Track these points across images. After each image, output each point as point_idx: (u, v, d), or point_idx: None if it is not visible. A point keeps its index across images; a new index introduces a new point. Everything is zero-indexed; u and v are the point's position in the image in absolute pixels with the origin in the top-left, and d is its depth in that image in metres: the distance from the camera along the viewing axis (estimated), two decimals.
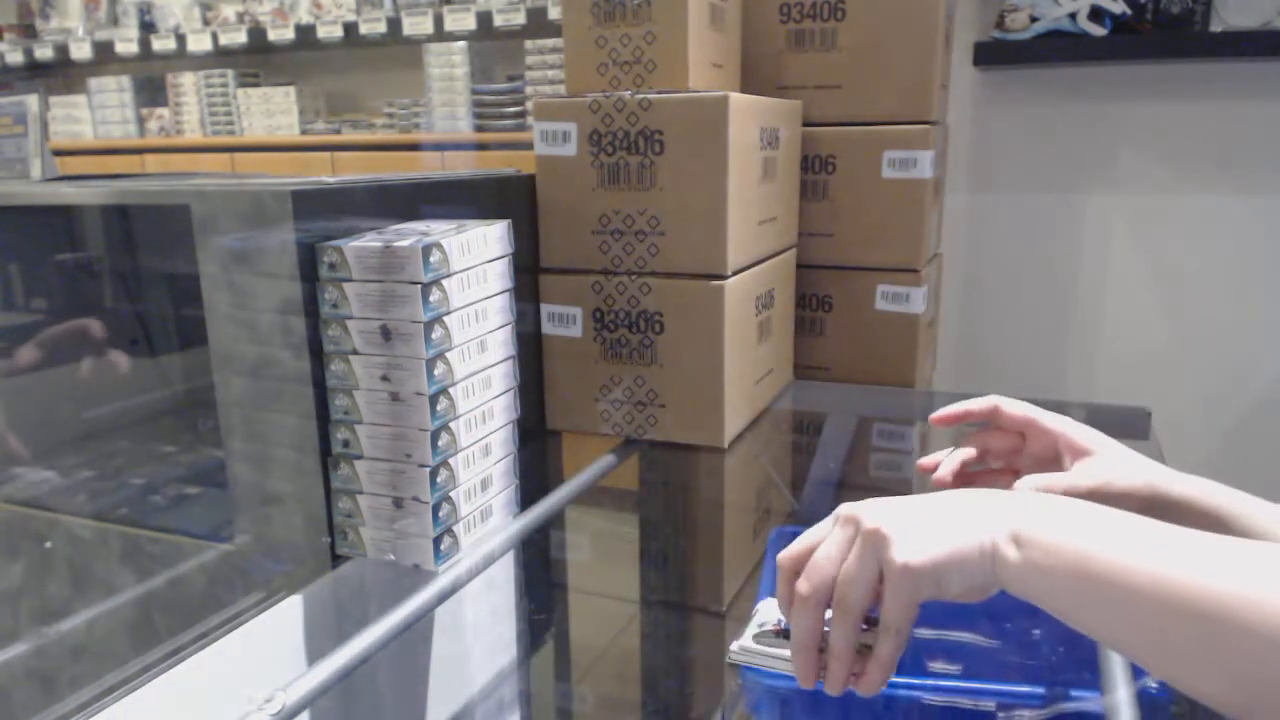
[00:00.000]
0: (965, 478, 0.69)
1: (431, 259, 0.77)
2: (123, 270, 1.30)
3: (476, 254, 0.84)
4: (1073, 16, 1.92)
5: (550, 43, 2.78)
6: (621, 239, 1.10)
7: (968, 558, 0.48)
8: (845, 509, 0.52)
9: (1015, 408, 0.66)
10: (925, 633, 0.92)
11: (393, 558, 0.83)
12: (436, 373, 0.79)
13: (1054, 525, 0.47)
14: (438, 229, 0.83)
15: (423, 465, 0.79)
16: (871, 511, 0.51)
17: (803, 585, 0.52)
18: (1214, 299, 2.00)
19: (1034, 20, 1.95)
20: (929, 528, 0.49)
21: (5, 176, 1.17)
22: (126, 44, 3.47)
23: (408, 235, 0.80)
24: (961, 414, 0.68)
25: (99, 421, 1.24)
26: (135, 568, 0.96)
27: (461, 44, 2.90)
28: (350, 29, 3.08)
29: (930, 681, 0.79)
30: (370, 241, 0.78)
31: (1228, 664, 0.40)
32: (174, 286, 1.30)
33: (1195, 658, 0.41)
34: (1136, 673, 0.68)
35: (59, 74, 3.74)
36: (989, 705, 0.76)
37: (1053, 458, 0.64)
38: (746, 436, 1.20)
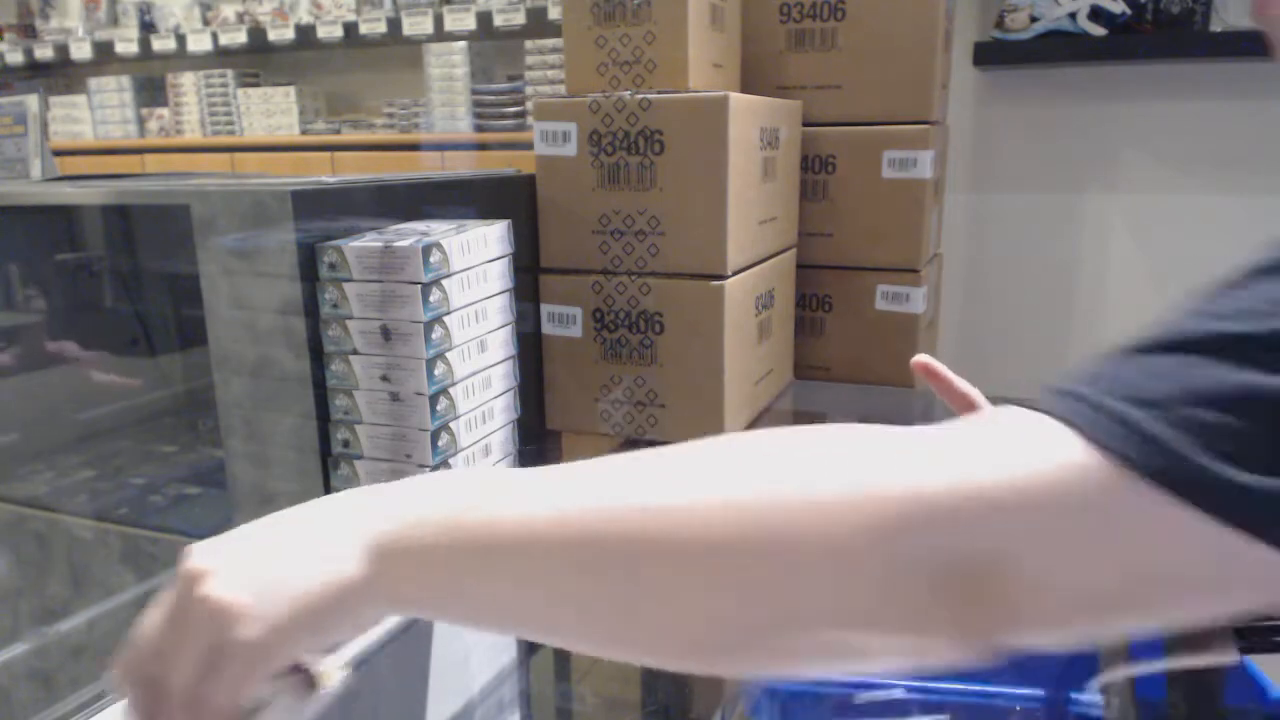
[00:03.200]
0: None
1: (431, 259, 0.77)
2: (123, 270, 1.30)
3: (476, 254, 0.84)
4: (1073, 16, 1.92)
5: (550, 43, 2.78)
6: (621, 239, 1.10)
7: (321, 603, 0.39)
8: (189, 564, 0.40)
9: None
10: None
11: None
12: (436, 373, 0.79)
13: (409, 519, 0.40)
14: (438, 229, 0.83)
15: (423, 465, 0.79)
16: (211, 570, 0.40)
17: (116, 675, 0.41)
18: None
19: (1034, 20, 1.95)
20: (276, 584, 0.40)
21: (5, 176, 1.17)
22: (126, 44, 3.47)
23: (408, 235, 0.80)
24: (947, 381, 0.66)
25: (99, 421, 1.24)
26: (135, 568, 0.96)
27: (461, 44, 2.90)
28: (350, 29, 3.08)
29: (933, 684, 0.79)
30: (370, 241, 0.78)
31: (680, 598, 0.34)
32: (174, 286, 1.30)
33: (629, 606, 0.35)
34: (1135, 674, 0.68)
35: (59, 74, 3.74)
36: (993, 706, 0.77)
37: None
38: None
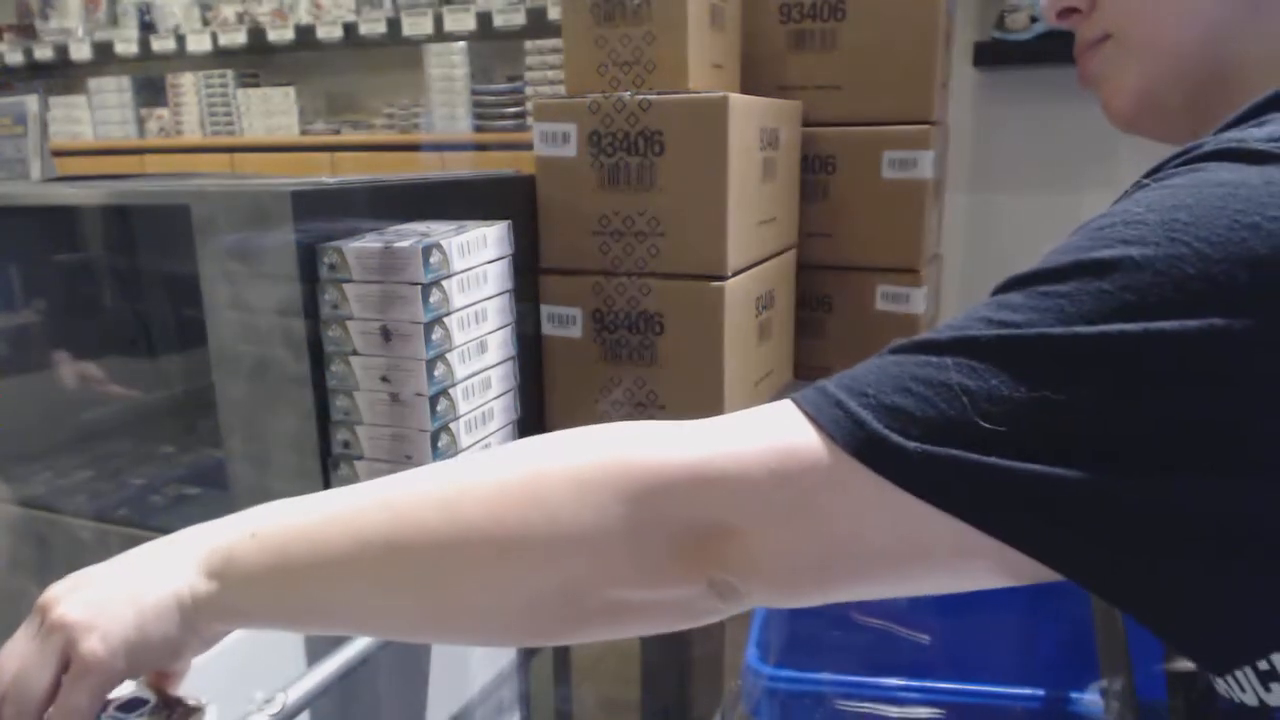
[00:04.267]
0: None
1: (431, 260, 0.77)
2: (123, 271, 1.30)
3: (476, 255, 0.84)
4: None
5: (550, 43, 2.78)
6: (621, 240, 1.10)
7: (162, 617, 0.44)
8: (43, 597, 0.46)
9: None
10: (924, 637, 0.92)
11: None
12: (436, 374, 0.79)
13: (237, 538, 0.44)
14: (438, 230, 0.83)
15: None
16: (61, 596, 0.45)
17: None
18: None
19: (1034, 20, 1.95)
20: (120, 602, 0.44)
21: (5, 177, 1.17)
22: (126, 44, 3.47)
23: (408, 236, 0.80)
24: None
25: (99, 422, 1.24)
26: None
27: (461, 44, 2.90)
28: (350, 29, 3.08)
29: (933, 684, 0.79)
30: (370, 243, 0.78)
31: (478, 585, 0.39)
32: (174, 287, 1.30)
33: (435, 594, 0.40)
34: (1135, 674, 0.68)
35: (59, 74, 3.74)
36: (994, 706, 0.77)
37: None
38: None
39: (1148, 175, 0.37)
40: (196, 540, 0.46)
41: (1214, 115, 0.39)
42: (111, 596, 0.44)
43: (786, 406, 0.37)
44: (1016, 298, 0.34)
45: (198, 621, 0.44)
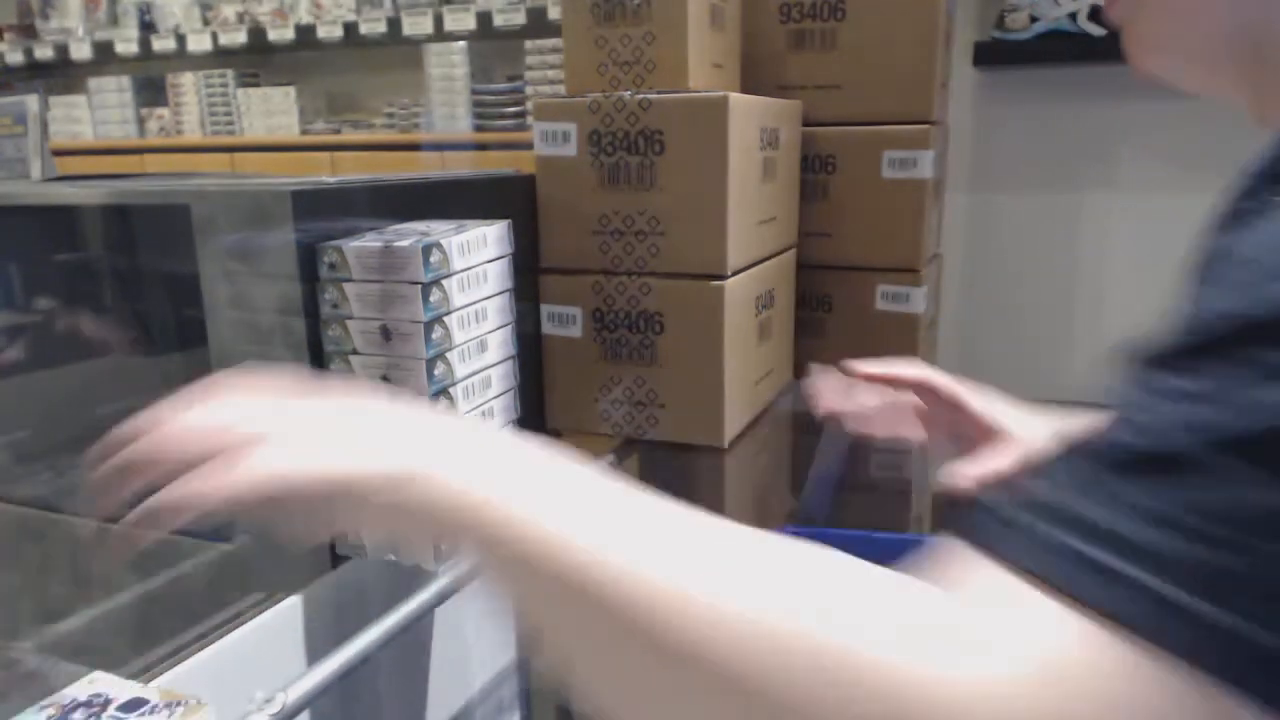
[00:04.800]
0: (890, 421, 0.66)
1: (431, 259, 0.77)
2: (122, 270, 1.30)
3: (476, 254, 0.84)
4: (1073, 16, 1.92)
5: (550, 43, 2.78)
6: (621, 239, 1.10)
7: (369, 480, 0.38)
8: (238, 403, 0.42)
9: (946, 386, 0.64)
10: None
11: (393, 558, 0.83)
12: (436, 373, 0.79)
13: (517, 486, 0.37)
14: (438, 229, 0.83)
15: None
16: (266, 418, 0.41)
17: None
18: None
19: (1034, 20, 1.95)
20: (329, 435, 0.40)
21: (5, 176, 1.17)
22: (126, 44, 3.47)
23: (407, 235, 0.80)
24: (890, 377, 0.66)
25: (99, 422, 1.24)
26: (135, 568, 0.96)
27: (461, 44, 2.90)
28: (350, 29, 3.08)
29: None
30: (370, 242, 0.78)
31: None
32: (174, 286, 1.30)
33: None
34: None
35: (59, 74, 3.74)
36: None
37: (970, 437, 0.63)
38: (746, 436, 1.20)
39: (1266, 181, 0.30)
40: (460, 441, 0.40)
41: (1255, 74, 0.36)
42: (327, 430, 0.40)
43: (1013, 584, 0.28)
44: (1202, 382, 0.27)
45: (406, 508, 0.38)
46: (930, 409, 0.66)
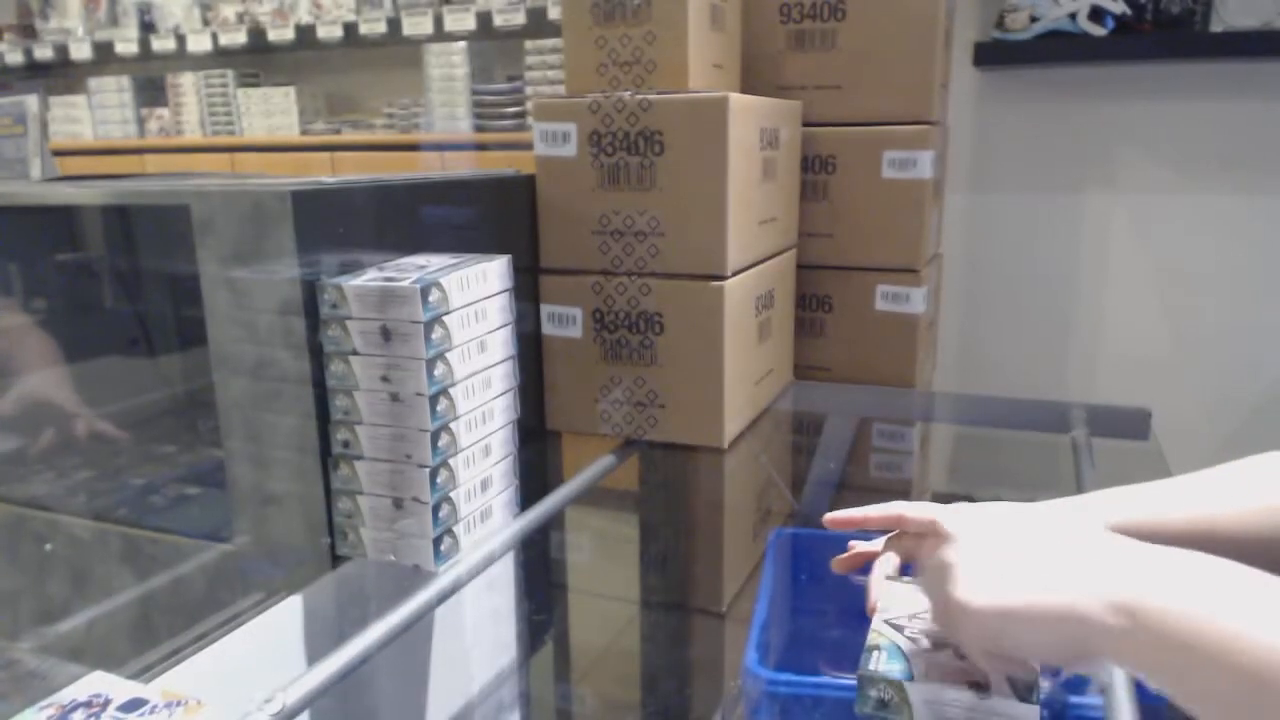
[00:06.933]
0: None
1: (431, 297, 0.77)
2: (122, 270, 1.30)
3: (475, 290, 0.84)
4: (1073, 16, 1.92)
5: (550, 43, 2.77)
6: (621, 239, 1.10)
7: (1048, 616, 0.45)
8: (943, 520, 0.53)
9: (919, 512, 0.61)
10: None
11: (393, 558, 0.83)
12: (436, 373, 0.79)
13: (1167, 590, 0.43)
14: (436, 262, 0.84)
15: (423, 466, 0.79)
16: (958, 530, 0.51)
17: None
18: (1215, 299, 2.00)
19: (1034, 20, 1.95)
20: (1008, 569, 0.47)
21: (5, 176, 1.17)
22: (126, 44, 3.47)
23: (409, 271, 0.80)
24: (861, 519, 0.64)
25: (99, 421, 1.24)
26: (135, 568, 0.96)
27: (461, 44, 2.90)
28: (350, 29, 3.08)
29: None
30: (370, 281, 0.78)
31: None
32: (174, 287, 1.30)
33: None
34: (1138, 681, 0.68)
35: (59, 74, 3.74)
36: None
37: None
38: (746, 437, 1.20)
39: None
40: (1112, 564, 0.45)
41: None
42: (1007, 564, 0.47)
43: None
44: None
45: (1086, 643, 0.44)
46: (909, 538, 0.64)
